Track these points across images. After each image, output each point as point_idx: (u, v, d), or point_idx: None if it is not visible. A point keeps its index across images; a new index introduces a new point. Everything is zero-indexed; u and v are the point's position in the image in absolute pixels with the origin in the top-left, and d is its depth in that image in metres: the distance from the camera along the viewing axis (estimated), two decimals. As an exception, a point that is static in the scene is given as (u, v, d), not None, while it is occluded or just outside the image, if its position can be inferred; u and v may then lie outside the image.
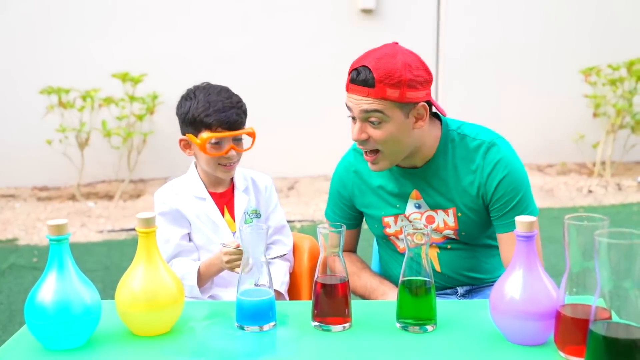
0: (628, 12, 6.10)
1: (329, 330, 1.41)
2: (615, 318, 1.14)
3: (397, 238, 1.89)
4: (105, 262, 4.00)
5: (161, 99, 5.39)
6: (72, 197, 5.39)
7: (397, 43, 1.73)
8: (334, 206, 1.97)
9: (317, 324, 1.43)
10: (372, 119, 1.69)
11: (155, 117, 5.46)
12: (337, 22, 5.83)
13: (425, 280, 1.41)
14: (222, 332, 1.42)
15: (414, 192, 1.83)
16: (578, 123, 6.08)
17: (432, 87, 2.18)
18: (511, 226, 1.67)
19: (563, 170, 6.09)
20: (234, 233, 1.95)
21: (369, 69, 1.65)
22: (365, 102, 1.67)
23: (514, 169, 1.78)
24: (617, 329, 1.12)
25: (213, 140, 1.86)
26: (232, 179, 2.01)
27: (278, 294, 1.91)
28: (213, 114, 1.86)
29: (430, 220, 1.83)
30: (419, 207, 1.84)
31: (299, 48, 5.83)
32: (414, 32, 5.84)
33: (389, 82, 1.64)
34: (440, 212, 1.82)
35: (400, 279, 1.42)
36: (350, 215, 1.96)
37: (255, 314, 1.42)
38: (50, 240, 1.32)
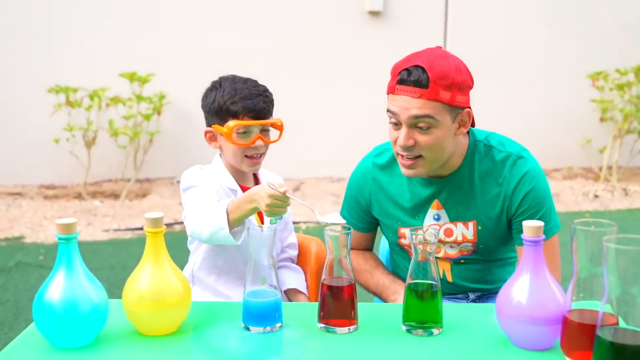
0: (636, 17, 6.09)
1: (334, 333, 1.41)
2: (622, 324, 1.14)
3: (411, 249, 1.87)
4: (111, 261, 4.01)
5: (168, 99, 5.39)
6: (79, 196, 5.41)
7: (440, 47, 1.69)
8: (350, 210, 1.93)
9: (323, 325, 1.43)
10: (421, 125, 1.62)
11: (162, 117, 5.46)
12: (345, 24, 5.82)
13: (432, 284, 1.41)
14: (228, 333, 1.43)
15: (435, 202, 1.79)
16: (585, 128, 6.06)
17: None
18: None
19: (569, 175, 6.08)
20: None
21: (423, 69, 1.59)
22: (415, 106, 1.60)
23: (540, 183, 1.76)
24: (624, 335, 1.12)
25: (240, 130, 1.80)
26: (255, 175, 1.94)
27: (303, 296, 1.94)
28: (239, 101, 1.79)
29: (448, 233, 1.79)
30: (438, 218, 1.79)
31: (306, 50, 5.83)
32: (422, 35, 5.82)
33: (442, 83, 1.59)
34: (459, 224, 1.78)
35: (407, 281, 1.42)
36: (365, 220, 1.92)
37: (261, 315, 1.42)
38: (59, 238, 1.33)
